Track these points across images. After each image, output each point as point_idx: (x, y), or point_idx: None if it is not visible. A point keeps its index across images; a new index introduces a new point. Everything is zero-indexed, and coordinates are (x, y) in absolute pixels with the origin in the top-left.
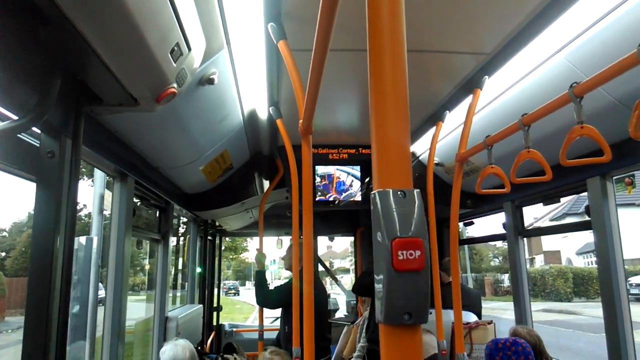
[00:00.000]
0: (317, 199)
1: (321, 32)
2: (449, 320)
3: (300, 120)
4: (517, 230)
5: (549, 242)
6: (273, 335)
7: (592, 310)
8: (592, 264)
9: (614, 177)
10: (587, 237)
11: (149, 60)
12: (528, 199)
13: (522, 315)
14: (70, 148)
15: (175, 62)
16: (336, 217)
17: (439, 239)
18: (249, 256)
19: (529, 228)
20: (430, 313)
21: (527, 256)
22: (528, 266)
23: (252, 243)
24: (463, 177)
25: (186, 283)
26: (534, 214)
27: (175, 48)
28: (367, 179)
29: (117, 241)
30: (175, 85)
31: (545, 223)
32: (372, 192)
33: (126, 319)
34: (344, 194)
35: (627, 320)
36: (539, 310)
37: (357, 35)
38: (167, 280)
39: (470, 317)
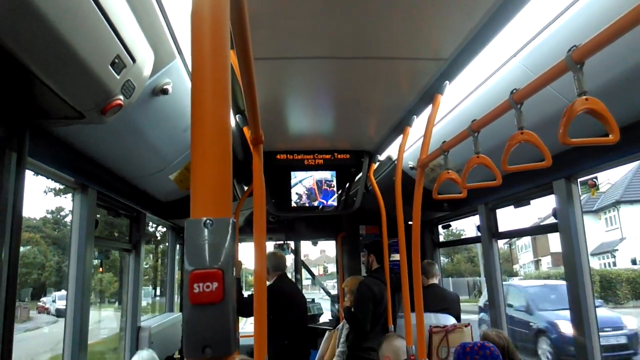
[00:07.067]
0: (303, 203)
1: (239, 40)
2: (427, 323)
3: (249, 131)
4: (490, 233)
5: (556, 243)
6: (250, 341)
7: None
8: (610, 265)
9: (579, 180)
10: (602, 236)
11: (87, 74)
12: (501, 202)
13: (497, 317)
14: (15, 161)
15: (118, 74)
16: (319, 222)
17: (421, 242)
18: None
19: (503, 231)
20: (400, 317)
21: (532, 258)
22: (533, 269)
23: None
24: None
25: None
26: (538, 214)
27: (117, 60)
28: (347, 184)
29: (78, 253)
30: (121, 97)
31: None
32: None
33: (101, 330)
34: (329, 200)
35: (592, 321)
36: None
37: (330, 42)
38: (139, 289)
39: (448, 320)
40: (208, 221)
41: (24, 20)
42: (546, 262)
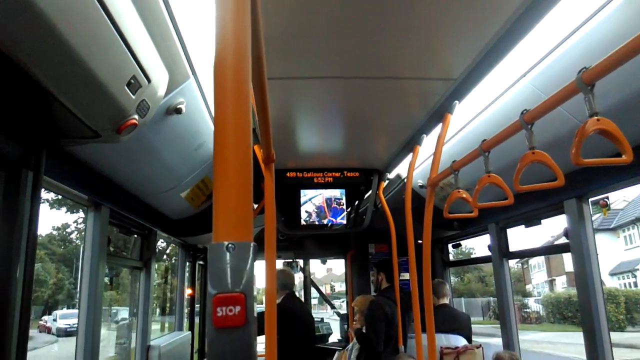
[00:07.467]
0: (313, 221)
1: (253, 62)
2: (438, 344)
3: (261, 150)
4: (501, 252)
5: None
6: None
7: None
8: (631, 285)
9: (590, 200)
10: (621, 255)
11: (104, 94)
12: (511, 221)
13: (509, 340)
14: (31, 180)
15: (134, 94)
16: (328, 240)
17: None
18: None
19: (514, 250)
20: (411, 337)
21: (546, 278)
22: (546, 289)
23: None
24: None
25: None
26: (552, 232)
27: (132, 81)
28: (356, 202)
29: (91, 270)
30: (136, 116)
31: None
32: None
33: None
34: (339, 218)
35: (606, 343)
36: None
37: (341, 62)
38: (149, 308)
39: (459, 341)
40: (230, 245)
41: (44, 43)
42: (561, 282)
